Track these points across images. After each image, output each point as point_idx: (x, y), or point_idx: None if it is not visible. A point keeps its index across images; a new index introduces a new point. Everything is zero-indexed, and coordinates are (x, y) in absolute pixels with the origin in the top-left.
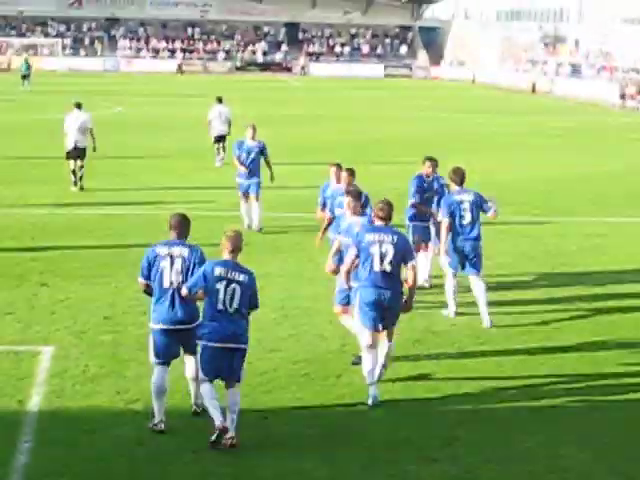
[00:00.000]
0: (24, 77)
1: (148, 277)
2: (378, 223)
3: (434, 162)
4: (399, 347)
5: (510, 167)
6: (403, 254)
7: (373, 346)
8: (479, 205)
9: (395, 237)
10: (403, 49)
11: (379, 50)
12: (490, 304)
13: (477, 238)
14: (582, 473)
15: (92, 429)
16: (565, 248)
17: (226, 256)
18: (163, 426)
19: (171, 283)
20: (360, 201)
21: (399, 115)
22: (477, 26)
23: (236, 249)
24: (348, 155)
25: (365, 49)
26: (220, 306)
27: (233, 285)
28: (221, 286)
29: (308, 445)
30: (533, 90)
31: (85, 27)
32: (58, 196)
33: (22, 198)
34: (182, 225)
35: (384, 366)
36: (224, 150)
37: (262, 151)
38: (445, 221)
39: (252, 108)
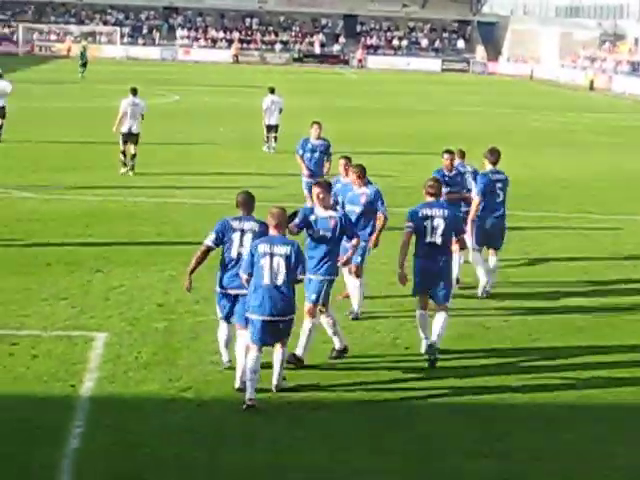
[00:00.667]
0: (84, 65)
1: (217, 244)
2: (429, 199)
3: (452, 154)
4: (451, 341)
5: (566, 164)
6: (454, 227)
7: (424, 307)
8: (507, 186)
9: (446, 212)
10: (461, 44)
11: (437, 44)
12: (545, 299)
13: (504, 217)
14: (636, 472)
15: (143, 416)
16: (621, 246)
17: (271, 231)
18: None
19: (239, 254)
20: (329, 193)
21: (456, 110)
22: (536, 22)
23: (279, 224)
24: (403, 148)
25: (423, 43)
26: (267, 280)
27: (277, 258)
28: (266, 261)
29: (356, 435)
30: (591, 87)
31: (143, 16)
32: (113, 183)
33: (77, 184)
34: (249, 202)
35: (439, 335)
36: (275, 140)
37: (326, 150)
38: (477, 199)
39: (308, 100)
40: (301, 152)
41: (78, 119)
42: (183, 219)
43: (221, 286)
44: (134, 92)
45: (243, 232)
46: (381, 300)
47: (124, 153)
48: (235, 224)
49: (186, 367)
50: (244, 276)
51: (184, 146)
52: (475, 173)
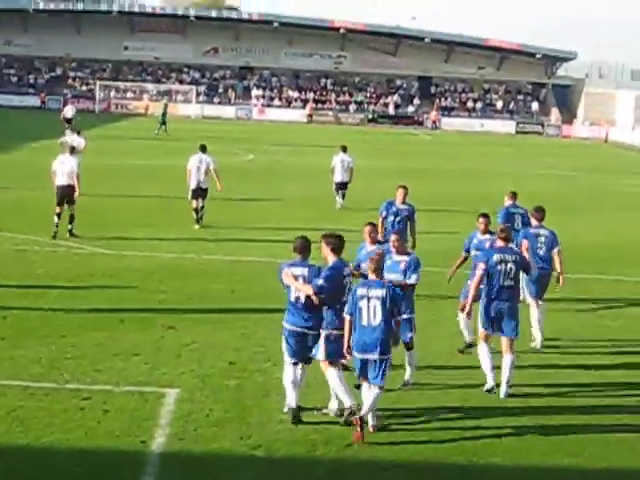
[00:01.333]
0: (163, 123)
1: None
2: (500, 244)
3: (487, 218)
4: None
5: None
6: (524, 269)
7: (487, 340)
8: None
9: (516, 257)
10: (535, 106)
11: (511, 106)
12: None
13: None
14: None
15: (214, 473)
16: None
17: (370, 276)
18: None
19: (297, 298)
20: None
21: (529, 172)
22: (611, 85)
23: (377, 269)
24: (474, 208)
25: (497, 105)
26: (364, 322)
27: (373, 301)
28: (364, 304)
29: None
30: None
31: (219, 75)
32: (187, 240)
33: (151, 241)
34: (305, 247)
35: (508, 376)
36: (343, 197)
37: (411, 216)
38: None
39: (382, 161)
40: (385, 214)
41: (153, 176)
42: (255, 277)
43: (288, 323)
44: (203, 149)
45: (296, 278)
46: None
47: (196, 210)
48: (288, 269)
49: (257, 425)
50: (347, 317)
51: (257, 204)
52: (524, 216)
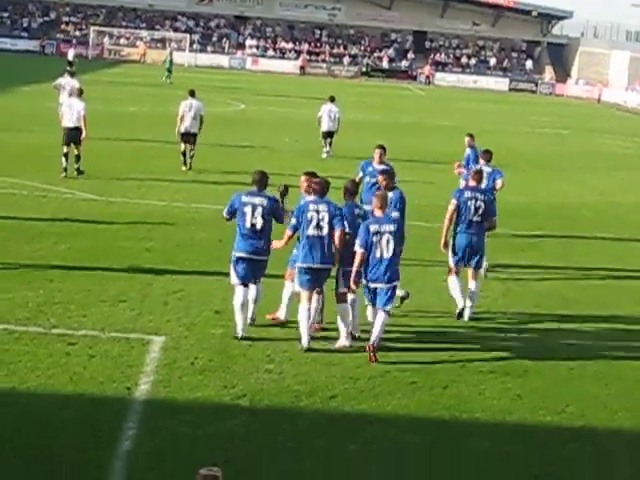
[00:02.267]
0: (169, 71)
1: (230, 216)
2: (472, 184)
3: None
4: (508, 360)
5: (630, 189)
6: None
7: (458, 273)
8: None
9: (485, 196)
10: (529, 64)
11: (505, 64)
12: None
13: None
14: None
15: (197, 421)
16: None
17: (377, 212)
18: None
19: (252, 225)
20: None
21: (522, 130)
22: (606, 45)
23: (383, 206)
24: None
25: (491, 62)
26: (377, 255)
27: (386, 236)
28: (377, 239)
29: (411, 453)
30: None
31: (213, 24)
32: (177, 188)
33: (141, 188)
34: (262, 179)
35: (473, 300)
36: (330, 145)
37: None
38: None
39: (374, 114)
40: (361, 174)
41: (145, 123)
42: None
43: (238, 251)
44: (192, 94)
45: (254, 206)
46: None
47: (184, 153)
48: (247, 199)
49: (241, 374)
50: (360, 250)
51: (247, 154)
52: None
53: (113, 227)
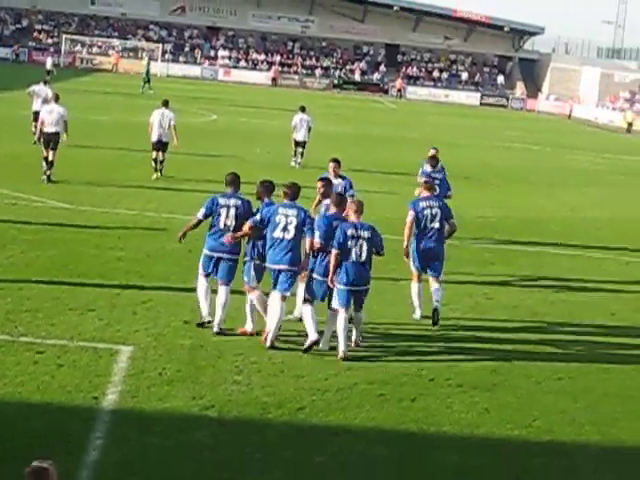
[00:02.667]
0: (147, 81)
1: (206, 217)
2: (426, 194)
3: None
4: (476, 374)
5: (600, 205)
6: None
7: (420, 279)
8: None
9: (440, 203)
10: (501, 79)
11: (477, 78)
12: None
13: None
14: None
15: (165, 432)
16: None
17: (352, 218)
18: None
19: (226, 225)
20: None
21: (492, 144)
22: (577, 61)
23: (358, 211)
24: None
25: (463, 76)
26: (353, 258)
27: (361, 241)
28: (353, 243)
29: (379, 466)
30: (629, 130)
31: (186, 34)
32: (148, 197)
33: (112, 197)
34: (235, 181)
35: (438, 301)
36: (302, 155)
37: (345, 189)
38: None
39: (345, 127)
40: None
41: (117, 132)
42: None
43: (208, 249)
44: (165, 104)
45: (229, 208)
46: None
47: (155, 160)
48: (222, 201)
49: (210, 385)
50: (335, 251)
51: (218, 164)
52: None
53: (83, 236)
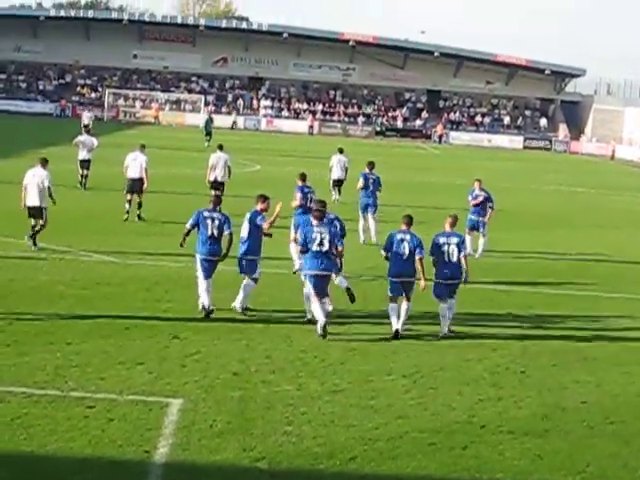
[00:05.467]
0: (208, 134)
1: (193, 227)
2: (403, 227)
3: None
4: (527, 420)
5: None
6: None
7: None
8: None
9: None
10: (543, 122)
11: (519, 122)
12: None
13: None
14: None
15: None
16: None
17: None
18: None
19: (212, 233)
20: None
21: (536, 187)
22: (620, 102)
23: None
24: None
25: (505, 120)
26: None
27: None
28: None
29: None
30: None
31: (228, 85)
32: (193, 249)
33: (158, 250)
34: (216, 201)
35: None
36: (339, 192)
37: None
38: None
39: (390, 173)
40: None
41: (160, 185)
42: (260, 288)
43: (202, 254)
44: (220, 148)
45: (213, 219)
46: None
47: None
48: (207, 214)
49: (260, 437)
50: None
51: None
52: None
53: (130, 289)
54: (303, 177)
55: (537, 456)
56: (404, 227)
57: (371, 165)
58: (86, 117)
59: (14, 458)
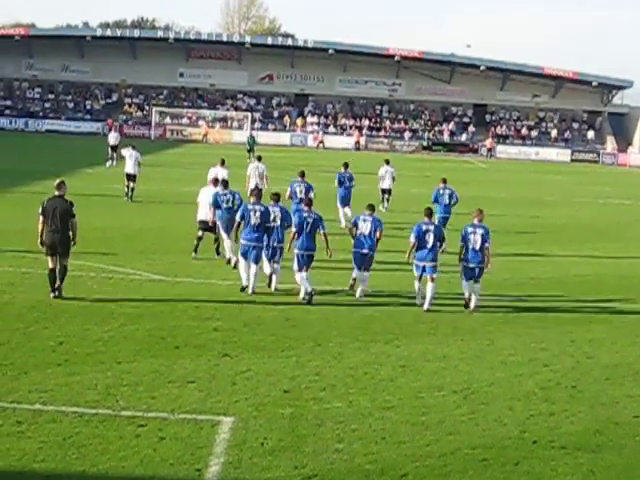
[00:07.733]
0: (250, 150)
1: (242, 219)
2: (425, 219)
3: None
4: (579, 435)
5: None
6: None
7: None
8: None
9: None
10: (591, 134)
11: (566, 134)
12: None
13: None
14: None
15: None
16: None
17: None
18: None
19: (255, 223)
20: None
21: (585, 200)
22: None
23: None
24: (530, 238)
25: (553, 133)
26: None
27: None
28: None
29: None
30: None
31: (274, 102)
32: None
33: (206, 268)
34: (259, 194)
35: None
36: (388, 201)
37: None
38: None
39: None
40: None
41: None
42: (312, 306)
43: (247, 240)
44: (259, 159)
45: (255, 211)
46: None
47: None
48: (250, 206)
49: (311, 454)
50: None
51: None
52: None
53: (179, 307)
54: (302, 174)
55: (590, 471)
56: (426, 219)
57: (346, 165)
58: (112, 137)
59: (66, 478)
